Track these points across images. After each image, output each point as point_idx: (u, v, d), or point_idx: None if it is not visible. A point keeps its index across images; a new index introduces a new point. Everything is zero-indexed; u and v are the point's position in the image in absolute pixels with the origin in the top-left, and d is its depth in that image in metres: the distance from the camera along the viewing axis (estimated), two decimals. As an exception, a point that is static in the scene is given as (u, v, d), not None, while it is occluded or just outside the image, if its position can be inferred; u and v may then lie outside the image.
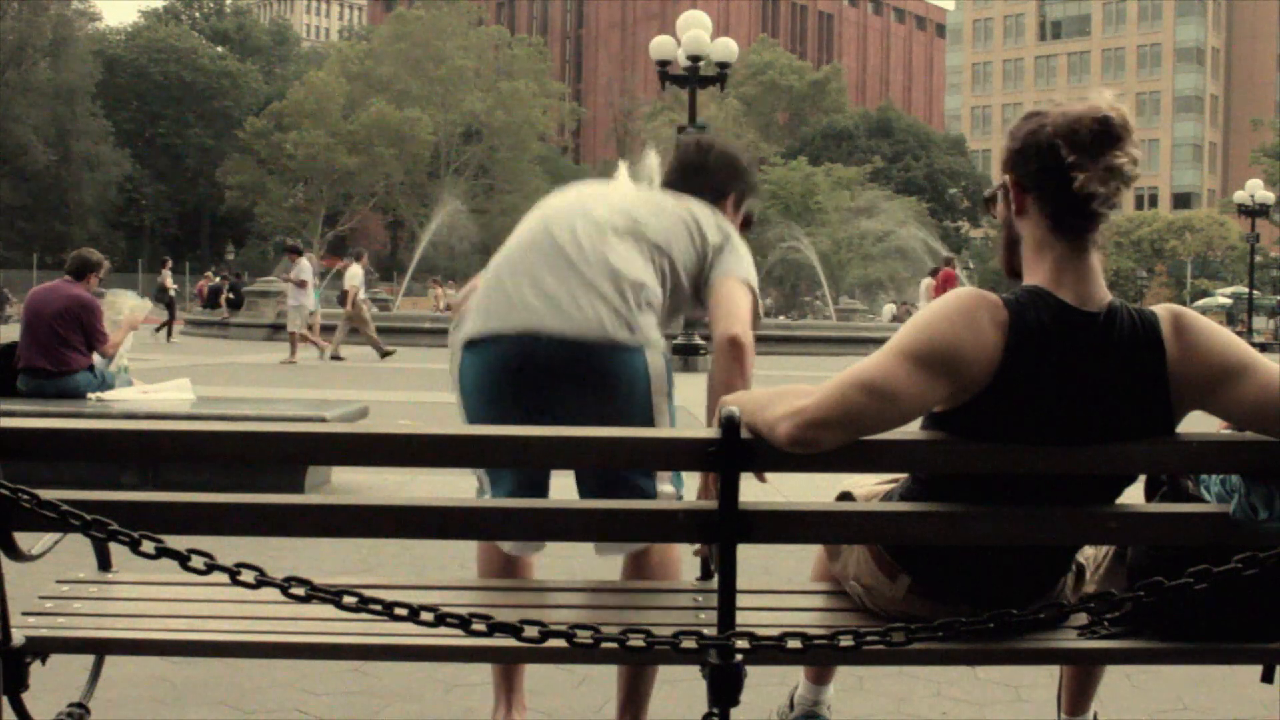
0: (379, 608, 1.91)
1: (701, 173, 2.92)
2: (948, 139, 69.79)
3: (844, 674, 3.02)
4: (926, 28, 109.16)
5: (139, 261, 55.74)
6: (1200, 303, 42.75)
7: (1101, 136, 1.98)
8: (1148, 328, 2.05)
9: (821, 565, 2.57)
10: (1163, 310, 2.09)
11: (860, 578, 2.32)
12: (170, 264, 27.02)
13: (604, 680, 3.29)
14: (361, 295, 18.98)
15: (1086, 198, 2.01)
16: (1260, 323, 40.96)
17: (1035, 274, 2.09)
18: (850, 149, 60.39)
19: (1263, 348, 21.42)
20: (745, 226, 2.94)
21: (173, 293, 24.91)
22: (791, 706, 2.78)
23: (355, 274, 19.01)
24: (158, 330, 23.85)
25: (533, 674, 3.26)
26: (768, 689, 2.98)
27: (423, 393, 11.66)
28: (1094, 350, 2.03)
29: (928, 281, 21.69)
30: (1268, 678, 2.24)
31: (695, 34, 19.40)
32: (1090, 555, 2.42)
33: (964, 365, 1.98)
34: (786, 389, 2.00)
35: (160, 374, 10.23)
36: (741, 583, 2.09)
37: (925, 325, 2.01)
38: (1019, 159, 2.09)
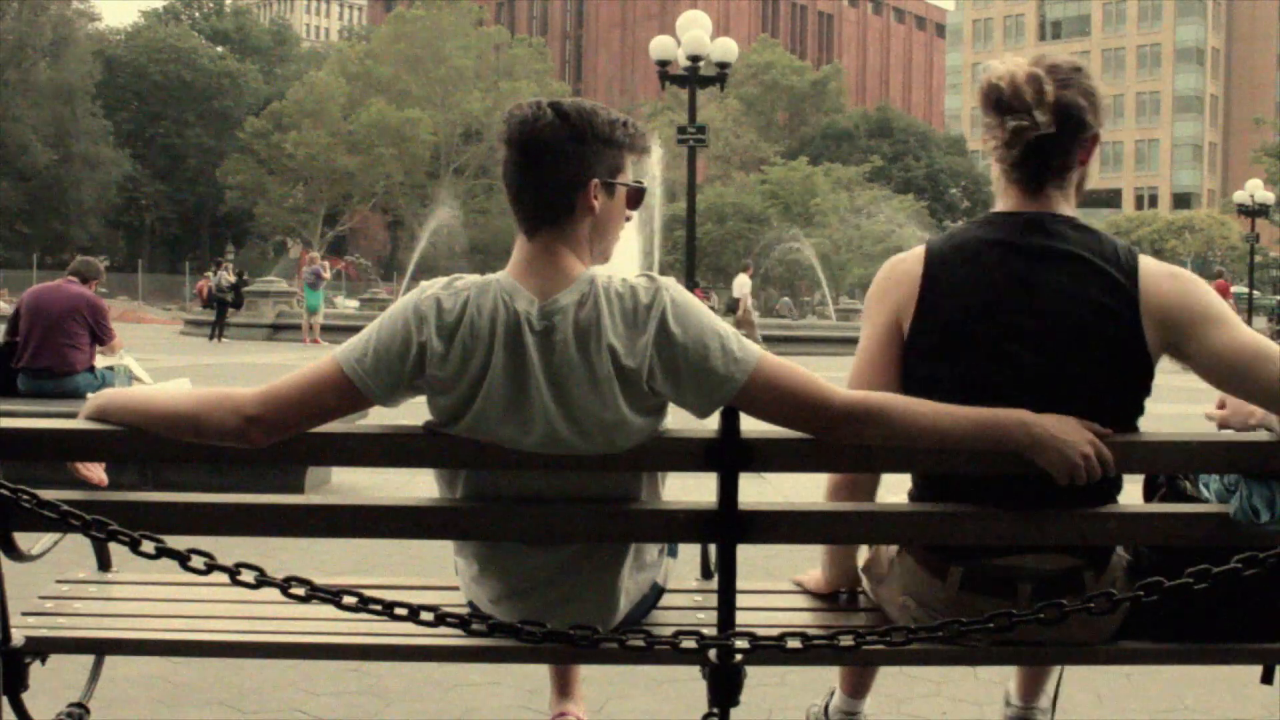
0: (379, 608, 1.91)
1: (539, 166, 2.05)
2: (948, 139, 69.65)
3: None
4: (926, 28, 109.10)
5: (139, 261, 55.74)
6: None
7: (986, 102, 2.15)
8: (1125, 254, 2.11)
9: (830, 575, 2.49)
10: (1156, 261, 2.16)
11: (908, 587, 2.24)
12: (225, 264, 26.43)
13: (604, 680, 3.29)
14: (750, 303, 22.07)
15: (1000, 157, 2.16)
16: (1260, 323, 40.93)
17: (995, 207, 2.24)
18: (850, 149, 60.30)
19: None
20: (634, 204, 2.16)
21: (228, 296, 24.49)
22: (826, 714, 2.71)
23: (744, 283, 21.90)
24: (213, 337, 23.62)
25: (531, 674, 3.26)
26: (768, 689, 2.98)
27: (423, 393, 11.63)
28: (1037, 238, 2.11)
29: None
30: (1267, 678, 2.24)
31: (695, 34, 19.41)
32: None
33: (895, 307, 2.15)
34: None
35: (160, 374, 10.23)
36: (741, 583, 2.09)
37: (866, 305, 2.24)
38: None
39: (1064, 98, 2.10)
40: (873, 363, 2.17)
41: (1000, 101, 2.12)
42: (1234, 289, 47.75)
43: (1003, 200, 2.21)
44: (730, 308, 22.90)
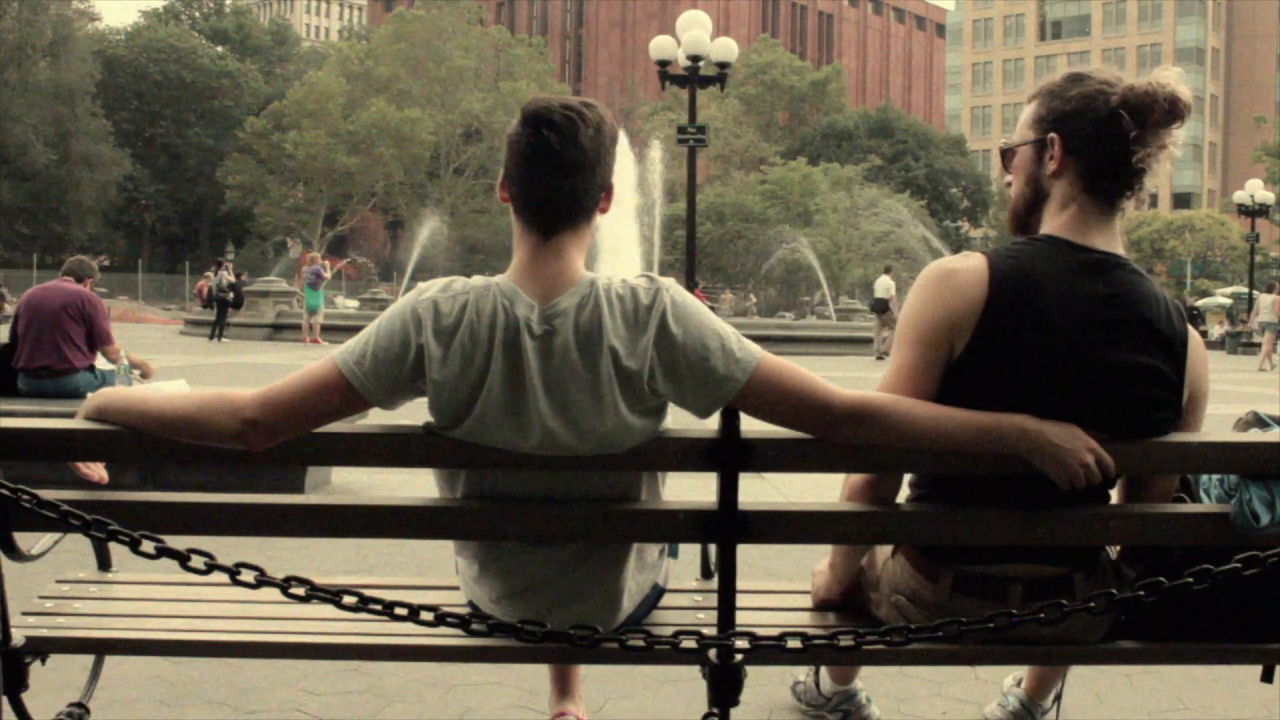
0: (379, 608, 1.91)
1: (583, 168, 2.05)
2: (948, 139, 69.59)
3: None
4: (926, 28, 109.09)
5: (139, 261, 55.72)
6: (1200, 303, 42.69)
7: (1169, 116, 2.04)
8: (1179, 319, 2.09)
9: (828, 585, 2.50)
10: (1193, 330, 2.16)
11: (900, 587, 2.24)
12: (225, 263, 26.64)
13: (604, 680, 3.29)
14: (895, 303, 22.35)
15: (1139, 171, 2.07)
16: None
17: (1053, 225, 2.12)
18: (850, 149, 60.26)
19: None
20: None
21: (228, 295, 24.53)
22: (818, 688, 2.79)
23: (889, 285, 22.09)
24: (213, 337, 23.63)
25: (531, 674, 3.26)
26: (768, 689, 2.98)
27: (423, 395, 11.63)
28: (1101, 285, 2.04)
29: (1271, 298, 21.64)
30: (1267, 678, 2.24)
31: (695, 34, 19.45)
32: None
33: (950, 323, 2.03)
34: None
35: (160, 374, 10.22)
36: (741, 583, 2.09)
37: (906, 310, 2.11)
38: (1070, 120, 2.09)
39: None
40: (915, 373, 2.05)
41: (1174, 115, 2.05)
42: (1233, 290, 47.54)
43: (1070, 215, 2.10)
44: (874, 308, 22.44)
